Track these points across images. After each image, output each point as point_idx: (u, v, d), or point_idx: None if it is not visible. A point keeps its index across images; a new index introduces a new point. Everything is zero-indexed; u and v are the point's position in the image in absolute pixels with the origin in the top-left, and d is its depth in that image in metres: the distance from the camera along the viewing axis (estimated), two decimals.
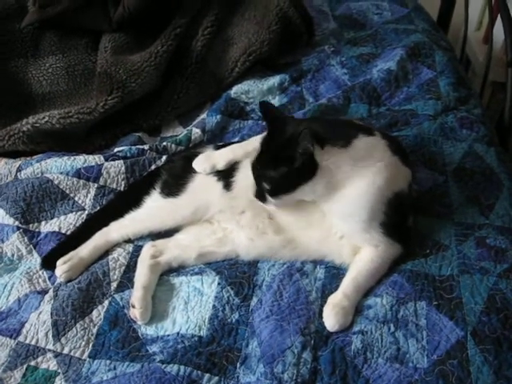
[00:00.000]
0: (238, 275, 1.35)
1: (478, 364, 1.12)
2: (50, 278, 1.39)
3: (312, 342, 1.19)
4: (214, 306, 1.29)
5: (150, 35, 1.97)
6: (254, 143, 1.41)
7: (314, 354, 1.17)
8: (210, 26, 2.00)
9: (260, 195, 1.31)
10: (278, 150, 1.26)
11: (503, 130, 1.91)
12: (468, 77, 2.56)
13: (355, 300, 1.26)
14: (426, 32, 2.18)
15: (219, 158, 1.46)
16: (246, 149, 1.45)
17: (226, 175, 1.44)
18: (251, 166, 1.32)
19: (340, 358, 1.16)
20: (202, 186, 1.45)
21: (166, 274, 1.39)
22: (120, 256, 1.42)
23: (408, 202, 1.35)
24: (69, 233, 1.49)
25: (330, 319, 1.22)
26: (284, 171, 1.25)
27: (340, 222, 1.32)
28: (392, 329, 1.20)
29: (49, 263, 1.41)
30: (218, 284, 1.33)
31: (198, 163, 1.47)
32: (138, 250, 1.43)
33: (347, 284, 1.28)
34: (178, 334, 1.25)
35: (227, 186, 1.42)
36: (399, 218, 1.33)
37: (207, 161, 1.46)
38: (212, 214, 1.43)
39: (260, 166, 1.30)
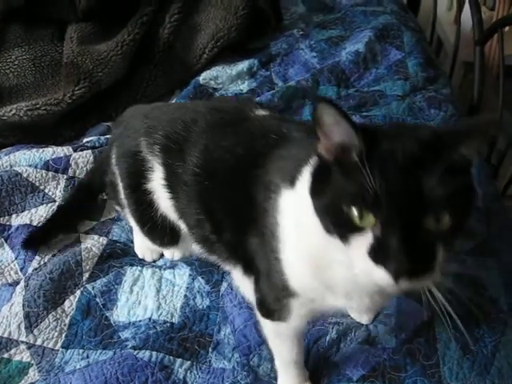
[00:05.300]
0: (208, 265, 1.35)
1: (444, 340, 1.14)
2: (21, 270, 1.38)
3: None
4: (185, 295, 1.31)
5: (116, 24, 1.95)
6: None
7: None
8: (177, 12, 1.98)
9: (425, 263, 0.71)
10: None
11: (473, 109, 1.92)
12: (439, 58, 2.57)
13: None
14: (394, 13, 2.18)
15: None
16: None
17: None
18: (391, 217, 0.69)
19: (314, 351, 1.17)
20: None
21: (139, 265, 1.39)
22: (93, 247, 1.42)
23: None
24: (40, 225, 1.48)
25: None
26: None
27: None
28: None
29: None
30: (189, 275, 1.35)
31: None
32: (111, 241, 1.43)
33: None
34: (149, 319, 1.26)
35: None
36: None
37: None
38: None
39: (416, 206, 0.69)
